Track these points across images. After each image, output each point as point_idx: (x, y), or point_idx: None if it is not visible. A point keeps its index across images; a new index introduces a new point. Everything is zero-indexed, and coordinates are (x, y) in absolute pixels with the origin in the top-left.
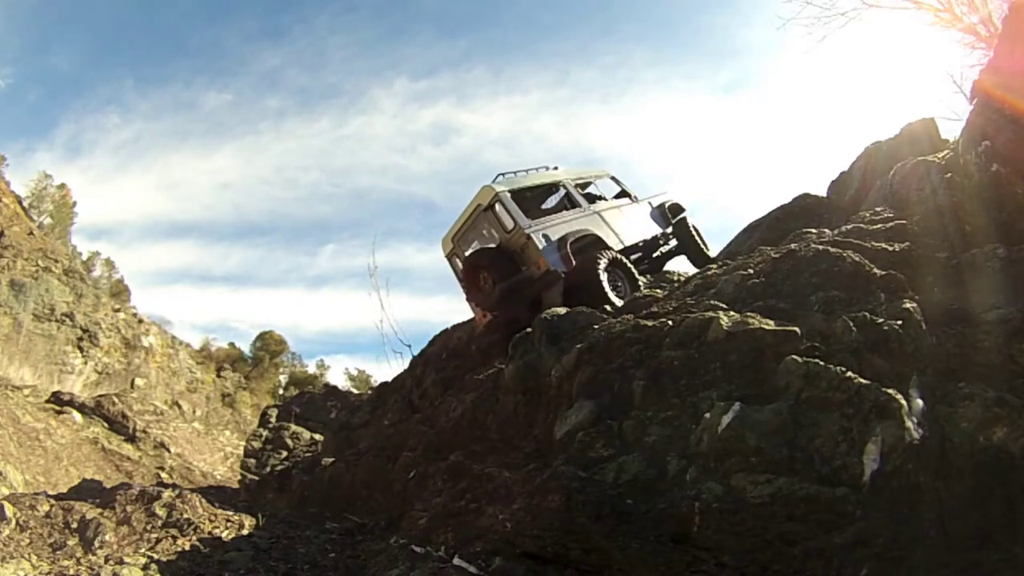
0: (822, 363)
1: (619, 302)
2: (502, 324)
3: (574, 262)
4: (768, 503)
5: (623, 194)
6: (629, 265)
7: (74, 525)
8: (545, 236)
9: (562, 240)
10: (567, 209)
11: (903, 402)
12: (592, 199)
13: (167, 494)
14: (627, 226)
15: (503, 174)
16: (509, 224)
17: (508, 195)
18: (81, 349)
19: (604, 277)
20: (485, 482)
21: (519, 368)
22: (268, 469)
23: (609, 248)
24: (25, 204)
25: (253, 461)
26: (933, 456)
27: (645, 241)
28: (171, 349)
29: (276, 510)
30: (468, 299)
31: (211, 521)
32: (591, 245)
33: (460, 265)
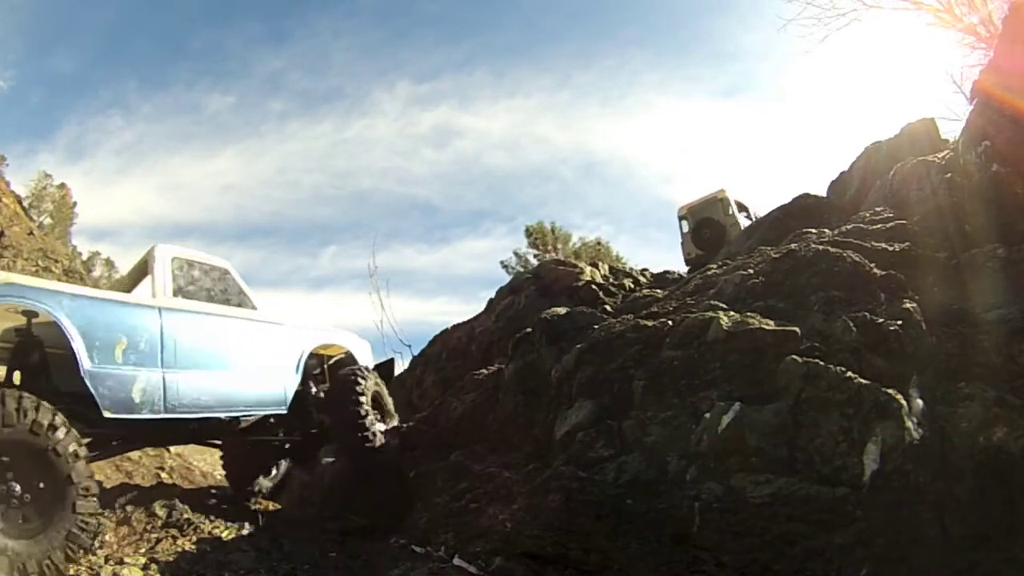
0: (822, 363)
1: None
2: (701, 262)
3: None
4: (768, 503)
5: (743, 208)
6: None
7: None
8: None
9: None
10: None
11: (903, 402)
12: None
13: (167, 494)
14: None
15: (723, 190)
16: (728, 211)
17: (730, 196)
18: None
19: None
20: (485, 482)
21: (519, 368)
22: None
23: None
24: (25, 204)
25: None
26: (933, 456)
27: None
28: None
29: (276, 510)
30: (692, 242)
31: (211, 521)
32: None
33: (689, 224)
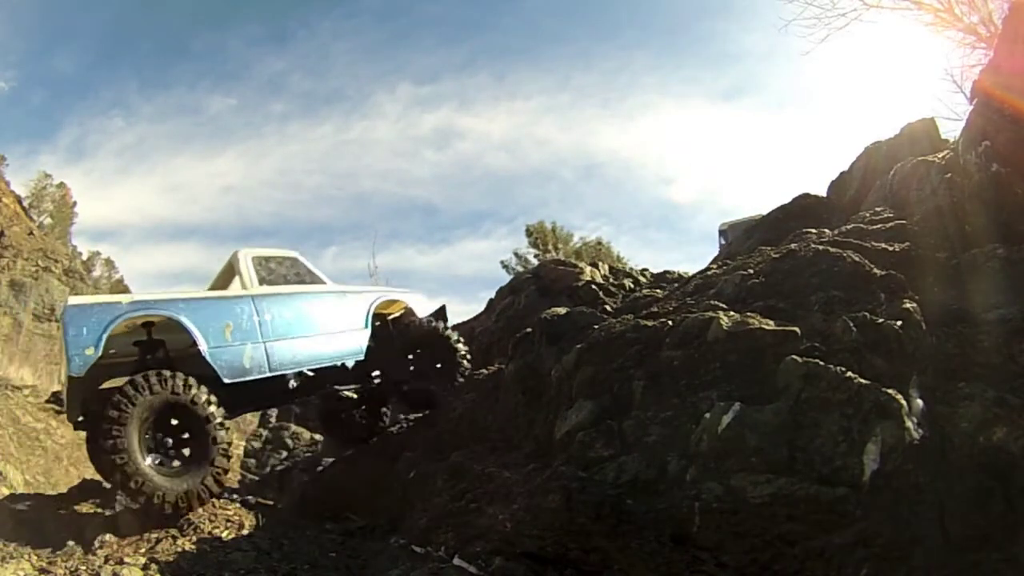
0: (822, 363)
1: None
2: None
3: None
4: (768, 503)
5: None
6: None
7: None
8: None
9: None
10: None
11: (903, 402)
12: None
13: None
14: None
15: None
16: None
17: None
18: None
19: None
20: (485, 482)
21: (519, 368)
22: (268, 469)
23: None
24: (25, 204)
25: (253, 461)
26: (933, 456)
27: None
28: None
29: (276, 510)
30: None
31: (211, 521)
32: None
33: (727, 238)
